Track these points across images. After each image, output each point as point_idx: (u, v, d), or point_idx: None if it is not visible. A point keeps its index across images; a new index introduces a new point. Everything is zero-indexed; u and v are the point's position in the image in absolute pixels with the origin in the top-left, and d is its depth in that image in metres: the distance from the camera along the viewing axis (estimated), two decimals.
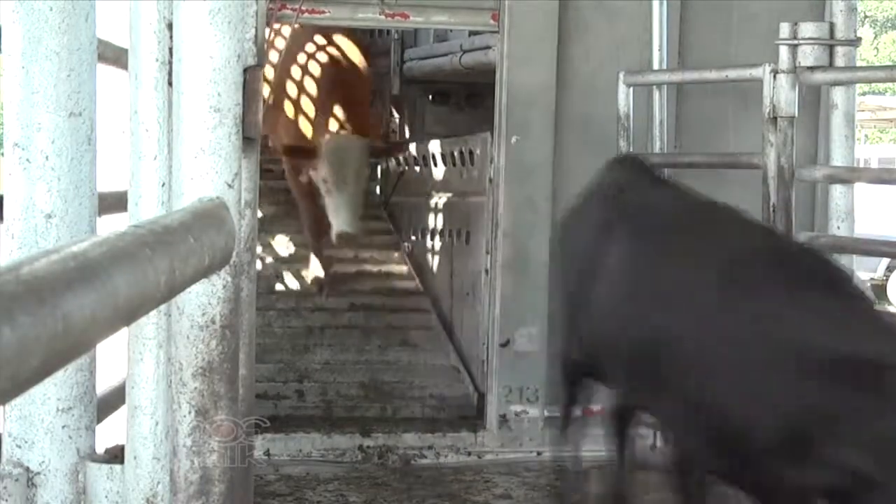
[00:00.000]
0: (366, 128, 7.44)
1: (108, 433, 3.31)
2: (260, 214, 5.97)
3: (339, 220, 6.97)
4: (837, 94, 5.82)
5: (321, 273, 7.72)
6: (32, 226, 2.97)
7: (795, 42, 5.49)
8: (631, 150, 6.13)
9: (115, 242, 2.02)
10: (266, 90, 7.30)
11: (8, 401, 1.54)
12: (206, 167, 2.86)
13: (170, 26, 2.95)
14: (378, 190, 8.92)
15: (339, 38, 7.84)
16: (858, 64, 6.16)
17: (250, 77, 3.13)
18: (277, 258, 8.20)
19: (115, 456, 3.09)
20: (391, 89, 9.07)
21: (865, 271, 16.69)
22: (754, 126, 5.71)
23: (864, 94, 23.53)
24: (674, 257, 4.23)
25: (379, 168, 8.76)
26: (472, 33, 7.51)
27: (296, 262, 8.02)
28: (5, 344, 1.43)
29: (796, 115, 5.48)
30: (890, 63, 36.53)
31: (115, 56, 3.48)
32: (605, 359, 4.50)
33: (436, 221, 7.94)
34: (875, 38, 41.81)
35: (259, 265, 7.29)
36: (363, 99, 7.81)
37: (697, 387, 3.82)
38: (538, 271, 6.37)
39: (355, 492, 5.75)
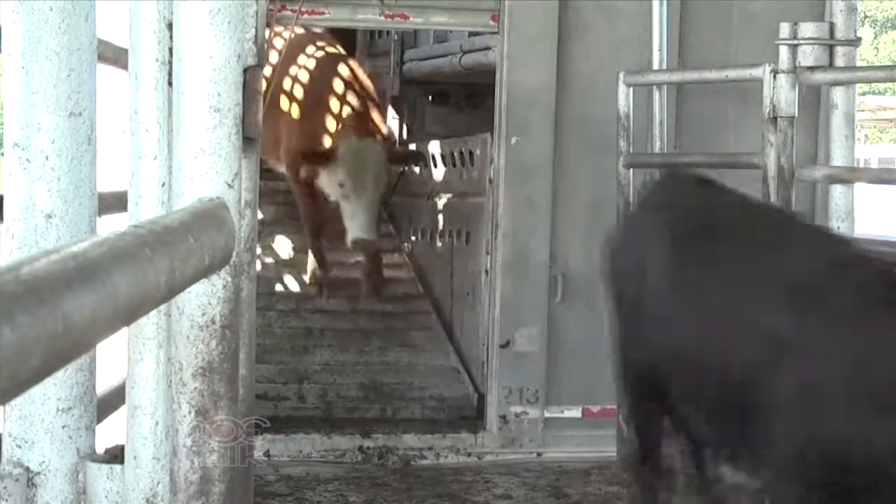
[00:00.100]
0: (380, 131, 7.39)
1: (108, 433, 3.31)
2: (260, 215, 5.98)
3: (355, 226, 6.86)
4: (837, 94, 5.82)
5: (320, 274, 7.65)
6: (32, 226, 2.97)
7: (795, 42, 5.49)
8: (631, 150, 6.13)
9: (115, 242, 2.02)
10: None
11: (8, 401, 1.54)
12: (206, 167, 2.86)
13: (170, 26, 2.95)
14: None
15: (328, 43, 7.85)
16: (858, 64, 6.16)
17: (250, 77, 3.13)
18: (278, 259, 8.21)
19: (115, 456, 3.09)
20: (391, 90, 9.07)
21: None
22: (754, 126, 5.71)
23: (864, 94, 23.54)
24: (747, 278, 3.92)
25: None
26: (471, 34, 7.51)
27: (296, 264, 8.02)
28: (5, 344, 1.43)
29: (796, 115, 5.48)
30: (890, 63, 36.55)
31: (115, 56, 3.48)
32: (676, 393, 4.18)
33: (436, 222, 7.94)
34: (875, 38, 41.82)
35: (259, 266, 7.29)
36: (375, 100, 7.74)
37: (810, 421, 3.52)
38: (538, 272, 6.37)
39: (355, 492, 5.75)
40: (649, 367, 4.25)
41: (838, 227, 5.76)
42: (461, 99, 9.14)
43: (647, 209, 4.72)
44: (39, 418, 2.98)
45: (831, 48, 5.54)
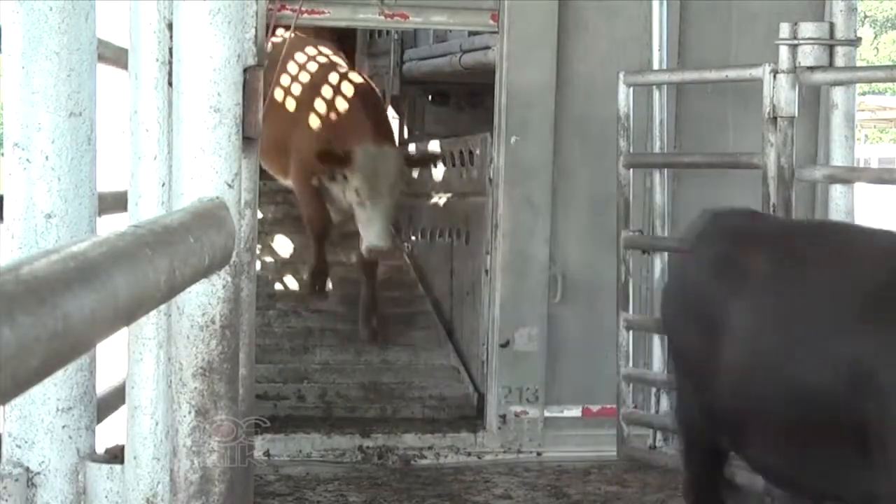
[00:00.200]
0: (391, 134, 7.27)
1: (108, 433, 3.31)
2: (260, 215, 5.98)
3: (371, 233, 6.65)
4: (837, 94, 5.81)
5: (322, 277, 7.50)
6: (32, 226, 2.97)
7: (795, 42, 5.49)
8: (631, 150, 6.13)
9: (115, 242, 2.02)
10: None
11: (8, 401, 1.54)
12: (206, 167, 2.86)
13: (170, 26, 2.95)
14: None
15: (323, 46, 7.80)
16: (858, 64, 6.16)
17: (250, 77, 3.13)
18: (277, 259, 8.20)
19: (115, 456, 3.09)
20: (391, 90, 9.07)
21: None
22: (754, 126, 5.71)
23: (864, 94, 23.54)
24: (825, 305, 3.78)
25: None
26: (471, 33, 7.51)
27: (296, 263, 8.02)
28: (5, 344, 1.43)
29: (796, 115, 5.48)
30: (890, 63, 36.55)
31: (115, 56, 3.48)
32: (751, 430, 3.98)
33: (436, 221, 7.94)
34: (875, 38, 41.83)
35: (259, 265, 7.28)
36: (377, 102, 7.66)
37: None
38: (538, 272, 6.37)
39: (355, 492, 5.75)
40: (720, 413, 4.07)
41: None
42: (461, 98, 9.13)
43: (703, 248, 4.43)
44: (39, 418, 2.98)
45: (831, 48, 5.54)
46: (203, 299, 2.86)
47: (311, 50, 7.76)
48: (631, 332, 6.20)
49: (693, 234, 4.54)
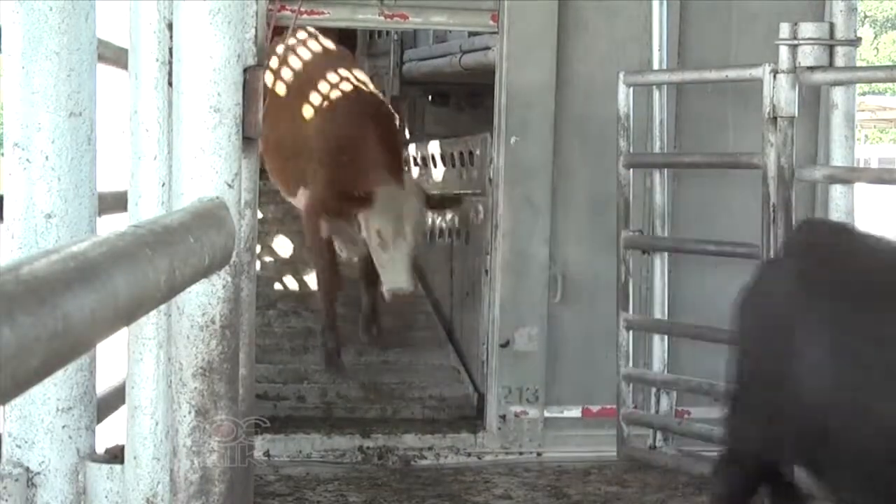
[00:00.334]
0: (401, 168, 6.98)
1: (108, 433, 3.31)
2: (260, 215, 5.98)
3: (393, 276, 6.41)
4: (837, 94, 5.81)
5: (335, 338, 7.04)
6: (32, 226, 2.97)
7: (795, 42, 5.49)
8: (631, 150, 6.14)
9: (115, 242, 2.02)
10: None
11: (8, 401, 1.54)
12: (206, 167, 2.86)
13: (170, 26, 2.96)
14: None
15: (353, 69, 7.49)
16: (858, 64, 6.16)
17: (250, 77, 3.13)
18: (277, 258, 8.20)
19: (115, 456, 3.09)
20: (391, 90, 9.07)
21: None
22: (754, 126, 5.71)
23: (864, 94, 23.55)
24: None
25: None
26: (471, 34, 7.51)
27: (296, 262, 8.02)
28: (5, 344, 1.43)
29: (796, 115, 5.48)
30: (890, 63, 36.56)
31: (115, 56, 3.48)
32: (837, 462, 3.78)
33: (436, 221, 7.93)
34: (875, 38, 41.84)
35: (259, 265, 7.27)
36: (397, 136, 7.41)
37: None
38: (538, 272, 6.37)
39: (355, 492, 5.74)
40: (798, 438, 3.85)
41: None
42: (461, 99, 9.13)
43: (792, 260, 4.22)
44: (39, 418, 2.98)
45: (831, 48, 5.54)
46: (203, 299, 2.86)
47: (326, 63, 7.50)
48: (631, 332, 6.21)
49: (785, 244, 4.33)
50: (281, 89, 7.18)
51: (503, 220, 6.36)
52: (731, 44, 6.51)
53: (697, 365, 6.21)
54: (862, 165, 19.37)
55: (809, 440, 3.80)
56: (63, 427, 3.00)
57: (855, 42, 5.68)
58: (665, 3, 6.24)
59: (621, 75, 6.08)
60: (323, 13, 6.24)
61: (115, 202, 3.43)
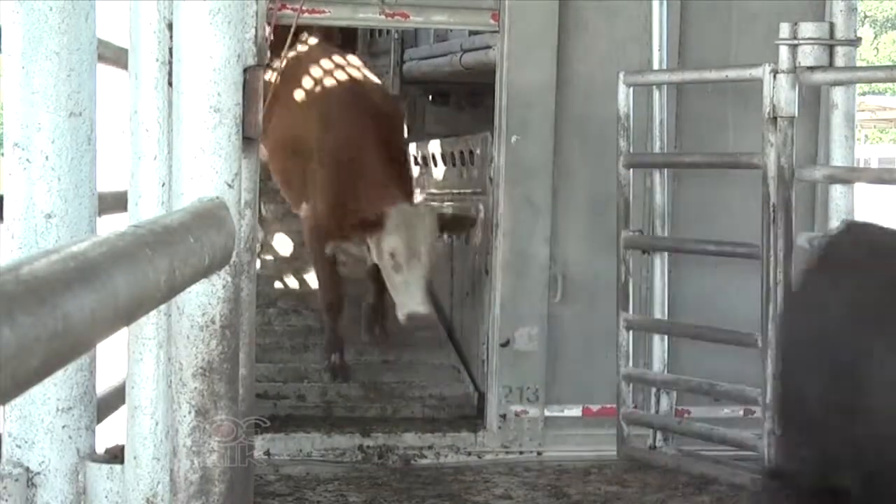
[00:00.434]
0: (411, 183, 6.91)
1: (108, 433, 3.32)
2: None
3: (409, 299, 6.22)
4: (837, 94, 5.81)
5: (336, 359, 6.96)
6: (32, 226, 2.97)
7: (795, 42, 5.49)
8: (631, 150, 6.13)
9: (115, 242, 2.02)
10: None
11: (8, 401, 1.54)
12: (206, 167, 2.86)
13: (170, 26, 2.96)
14: None
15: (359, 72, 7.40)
16: (858, 64, 6.15)
17: (250, 77, 3.13)
18: (277, 257, 8.20)
19: (115, 456, 3.09)
20: (391, 89, 9.06)
21: None
22: (754, 126, 5.71)
23: (864, 94, 23.55)
24: None
25: None
26: (472, 33, 7.51)
27: (296, 261, 8.02)
28: (5, 344, 1.43)
29: (796, 115, 5.48)
30: (890, 63, 36.55)
31: (115, 56, 3.48)
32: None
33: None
34: (875, 38, 41.84)
35: (259, 264, 7.25)
36: (405, 147, 7.26)
37: None
38: (538, 272, 6.37)
39: (355, 492, 5.74)
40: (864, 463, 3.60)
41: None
42: (461, 98, 9.13)
43: (840, 268, 3.89)
44: (39, 418, 2.98)
45: (831, 48, 5.54)
46: (203, 299, 2.86)
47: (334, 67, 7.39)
48: (631, 332, 6.21)
49: (828, 248, 3.94)
50: (287, 101, 7.13)
51: (503, 219, 6.36)
52: (731, 44, 6.51)
53: (697, 365, 6.22)
54: (862, 165, 19.37)
55: (877, 471, 3.54)
56: (63, 427, 3.00)
57: (855, 42, 5.68)
58: (665, 3, 6.24)
59: (621, 75, 6.08)
60: (324, 12, 6.24)
61: (115, 202, 3.43)
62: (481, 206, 6.89)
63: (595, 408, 6.45)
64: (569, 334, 6.43)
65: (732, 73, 5.89)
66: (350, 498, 5.66)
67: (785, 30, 5.52)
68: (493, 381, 6.43)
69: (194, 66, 2.85)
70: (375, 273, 6.89)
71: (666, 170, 6.30)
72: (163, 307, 2.81)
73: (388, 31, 9.13)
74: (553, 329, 6.41)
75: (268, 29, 6.73)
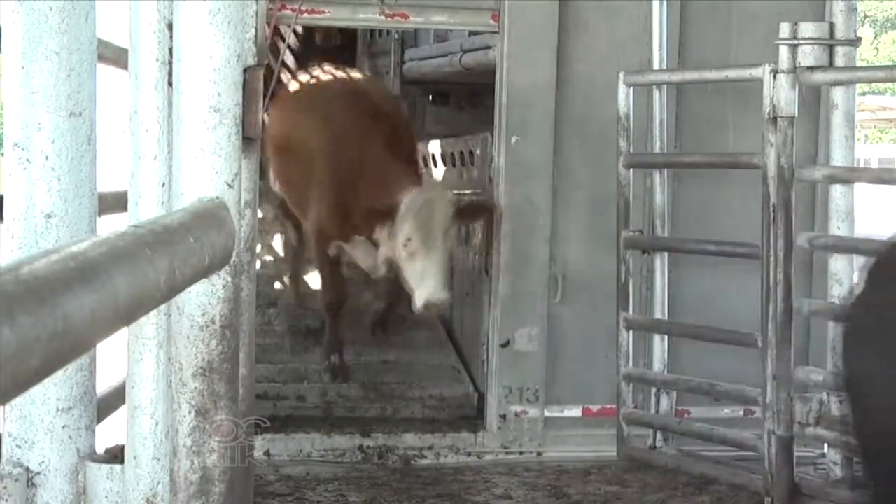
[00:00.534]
0: (418, 167, 6.79)
1: (108, 433, 3.32)
2: (259, 215, 5.97)
3: (426, 287, 6.01)
4: (837, 94, 5.81)
5: (335, 359, 6.93)
6: (32, 226, 2.97)
7: (795, 42, 5.49)
8: (631, 150, 6.13)
9: (115, 242, 2.02)
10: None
11: (8, 401, 1.54)
12: (206, 167, 2.86)
13: (170, 26, 2.96)
14: None
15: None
16: (858, 64, 6.15)
17: (250, 77, 3.13)
18: (277, 257, 8.20)
19: (115, 456, 3.09)
20: (391, 90, 9.06)
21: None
22: (754, 126, 5.71)
23: (864, 94, 23.55)
24: None
25: None
26: (472, 33, 7.51)
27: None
28: (5, 344, 1.43)
29: (796, 115, 5.48)
30: (890, 63, 36.55)
31: (115, 56, 3.48)
32: None
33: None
34: (875, 38, 41.84)
35: (259, 264, 7.25)
36: (409, 132, 7.13)
37: None
38: (538, 272, 6.37)
39: (355, 492, 5.74)
40: None
41: (838, 228, 5.76)
42: (461, 98, 9.13)
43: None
44: (39, 418, 2.98)
45: (831, 48, 5.54)
46: (203, 299, 2.86)
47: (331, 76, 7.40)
48: (631, 332, 6.21)
49: (880, 265, 3.57)
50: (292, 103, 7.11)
51: (503, 219, 6.36)
52: (731, 44, 6.51)
53: (697, 365, 6.22)
54: (862, 165, 19.36)
55: None
56: (63, 427, 3.00)
57: (855, 42, 5.68)
58: (665, 3, 6.24)
59: (621, 75, 6.08)
60: (323, 12, 6.24)
61: (115, 202, 3.43)
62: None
63: (595, 408, 6.45)
64: (569, 334, 6.43)
65: (732, 73, 5.89)
66: (350, 498, 5.66)
67: (785, 30, 5.51)
68: (493, 381, 6.43)
69: (194, 66, 2.85)
70: (394, 294, 6.88)
71: (666, 170, 6.30)
72: (163, 307, 2.81)
73: (388, 32, 9.14)
74: (553, 329, 6.40)
75: (289, 31, 6.71)
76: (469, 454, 6.38)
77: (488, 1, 6.34)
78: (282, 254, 8.31)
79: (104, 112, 3.19)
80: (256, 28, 3.45)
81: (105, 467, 3.04)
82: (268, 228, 8.16)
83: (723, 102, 6.46)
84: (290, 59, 9.17)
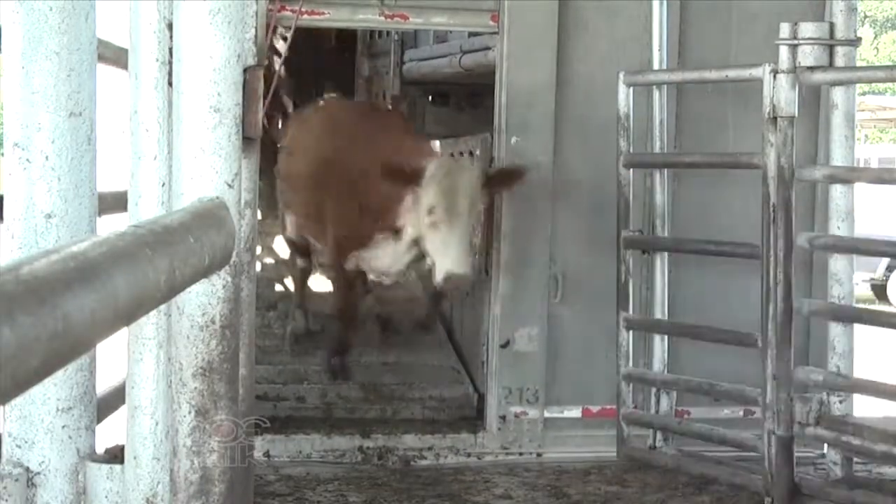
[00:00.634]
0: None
1: (108, 433, 3.32)
2: (259, 215, 5.97)
3: (447, 258, 5.69)
4: (837, 94, 5.81)
5: (336, 361, 6.86)
6: (32, 226, 2.97)
7: (795, 42, 5.49)
8: (631, 150, 6.13)
9: (115, 242, 2.02)
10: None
11: (8, 401, 1.54)
12: (206, 167, 2.86)
13: (170, 26, 2.96)
14: None
15: None
16: (858, 64, 6.15)
17: (250, 77, 3.13)
18: (277, 259, 8.21)
19: (115, 456, 3.09)
20: (391, 90, 9.07)
21: (865, 271, 16.72)
22: (754, 126, 5.71)
23: (864, 94, 23.53)
24: None
25: None
26: (471, 34, 7.51)
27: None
28: (5, 344, 1.43)
29: (796, 115, 5.48)
30: (890, 63, 36.54)
31: (115, 56, 3.48)
32: None
33: None
34: (875, 38, 41.83)
35: (259, 266, 7.25)
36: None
37: None
38: (538, 272, 6.37)
39: (355, 492, 5.74)
40: None
41: (838, 227, 5.76)
42: (461, 99, 9.14)
43: None
44: (39, 418, 2.98)
45: (831, 48, 5.54)
46: (203, 299, 2.86)
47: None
48: (631, 332, 6.21)
49: None
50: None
51: (503, 220, 6.36)
52: (731, 44, 6.51)
53: (697, 365, 6.22)
54: (862, 165, 19.37)
55: None
56: (63, 427, 3.00)
57: (855, 42, 5.68)
58: (665, 3, 6.24)
59: (621, 75, 6.08)
60: (323, 13, 6.24)
61: (115, 202, 3.44)
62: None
63: (595, 409, 6.45)
64: (569, 334, 6.43)
65: (732, 73, 5.88)
66: (350, 498, 5.66)
67: (785, 30, 5.51)
68: (493, 382, 6.43)
69: (194, 66, 2.85)
70: (436, 304, 6.78)
71: (666, 170, 6.30)
72: (163, 307, 2.81)
73: (388, 33, 9.14)
74: (553, 329, 6.40)
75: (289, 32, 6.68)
76: (469, 455, 6.38)
77: (488, 2, 6.34)
78: (282, 256, 8.31)
79: (104, 112, 3.19)
80: (256, 28, 3.45)
81: (105, 467, 3.04)
82: (268, 230, 8.17)
83: (723, 102, 6.46)
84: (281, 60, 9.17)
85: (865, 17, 39.39)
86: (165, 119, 2.99)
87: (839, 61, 5.57)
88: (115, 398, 3.39)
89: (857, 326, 5.90)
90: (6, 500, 2.93)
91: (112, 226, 2.81)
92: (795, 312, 5.51)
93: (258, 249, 6.75)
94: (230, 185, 2.89)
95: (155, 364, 3.02)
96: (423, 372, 7.11)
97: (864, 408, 6.06)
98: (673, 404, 6.30)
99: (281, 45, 7.40)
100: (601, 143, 6.25)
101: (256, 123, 3.25)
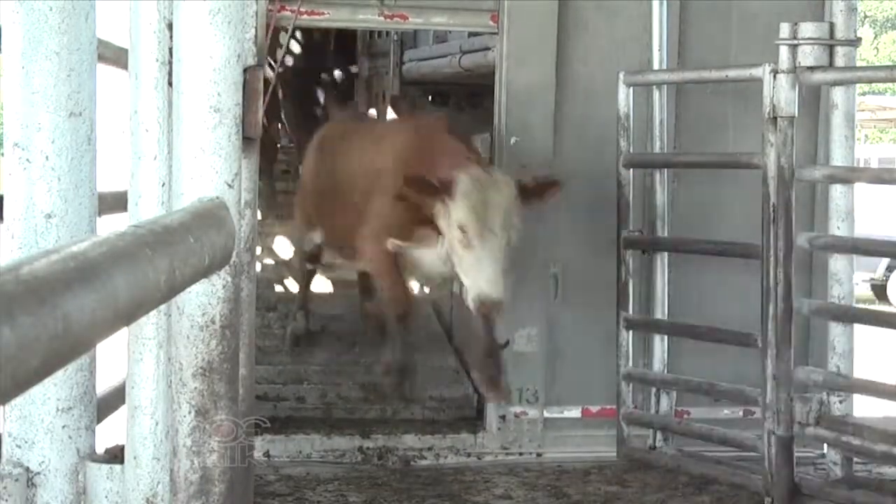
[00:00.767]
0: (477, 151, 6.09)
1: (108, 433, 3.31)
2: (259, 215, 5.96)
3: (480, 280, 5.21)
4: (837, 94, 5.81)
5: (410, 374, 6.10)
6: (32, 226, 2.97)
7: (795, 42, 5.49)
8: (631, 150, 6.13)
9: (115, 242, 2.02)
10: None
11: (8, 401, 1.54)
12: (206, 167, 2.86)
13: (170, 26, 2.96)
14: None
15: None
16: (858, 64, 6.15)
17: (250, 77, 3.13)
18: (277, 259, 8.21)
19: (115, 456, 3.09)
20: (391, 90, 9.07)
21: (865, 271, 16.73)
22: (754, 126, 5.71)
23: (864, 94, 23.53)
24: None
25: None
26: (471, 34, 7.51)
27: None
28: (5, 344, 1.43)
29: (796, 115, 5.48)
30: (890, 63, 36.54)
31: (115, 56, 3.48)
32: None
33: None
34: (875, 38, 41.82)
35: (259, 266, 7.25)
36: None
37: None
38: (538, 272, 6.36)
39: (355, 491, 5.74)
40: None
41: (838, 228, 5.76)
42: (461, 99, 9.14)
43: None
44: (39, 418, 2.98)
45: (831, 48, 5.54)
46: (203, 299, 2.86)
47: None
48: (631, 332, 6.21)
49: None
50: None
51: None
52: (731, 44, 6.51)
53: (697, 365, 6.21)
54: (862, 165, 19.37)
55: None
56: (63, 427, 2.99)
57: (855, 42, 5.68)
58: (665, 3, 6.24)
59: (621, 75, 6.08)
60: (323, 14, 6.24)
61: (115, 202, 3.44)
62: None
63: (595, 409, 6.45)
64: (568, 335, 6.43)
65: (732, 73, 5.88)
66: (350, 498, 5.66)
67: (785, 30, 5.51)
68: None
69: (194, 66, 2.85)
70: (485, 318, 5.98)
71: (666, 170, 6.30)
72: (163, 307, 2.81)
73: (388, 33, 9.14)
74: (553, 330, 6.40)
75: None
76: (469, 455, 6.38)
77: (487, 2, 6.34)
78: (282, 257, 8.31)
79: (104, 112, 3.19)
80: (256, 28, 3.45)
81: (105, 467, 3.04)
82: (268, 231, 8.17)
83: (723, 102, 6.46)
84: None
85: (865, 17, 39.39)
86: (165, 119, 2.99)
87: (839, 61, 5.57)
88: (115, 398, 3.39)
89: (857, 326, 5.90)
90: (6, 500, 2.93)
91: (112, 226, 2.81)
92: (795, 312, 5.51)
93: (258, 250, 6.75)
94: (230, 185, 2.89)
95: (155, 364, 3.02)
96: (423, 372, 7.10)
97: (864, 408, 6.06)
98: (673, 404, 6.30)
99: (294, 47, 7.38)
100: (601, 143, 6.25)
101: (256, 123, 3.25)
